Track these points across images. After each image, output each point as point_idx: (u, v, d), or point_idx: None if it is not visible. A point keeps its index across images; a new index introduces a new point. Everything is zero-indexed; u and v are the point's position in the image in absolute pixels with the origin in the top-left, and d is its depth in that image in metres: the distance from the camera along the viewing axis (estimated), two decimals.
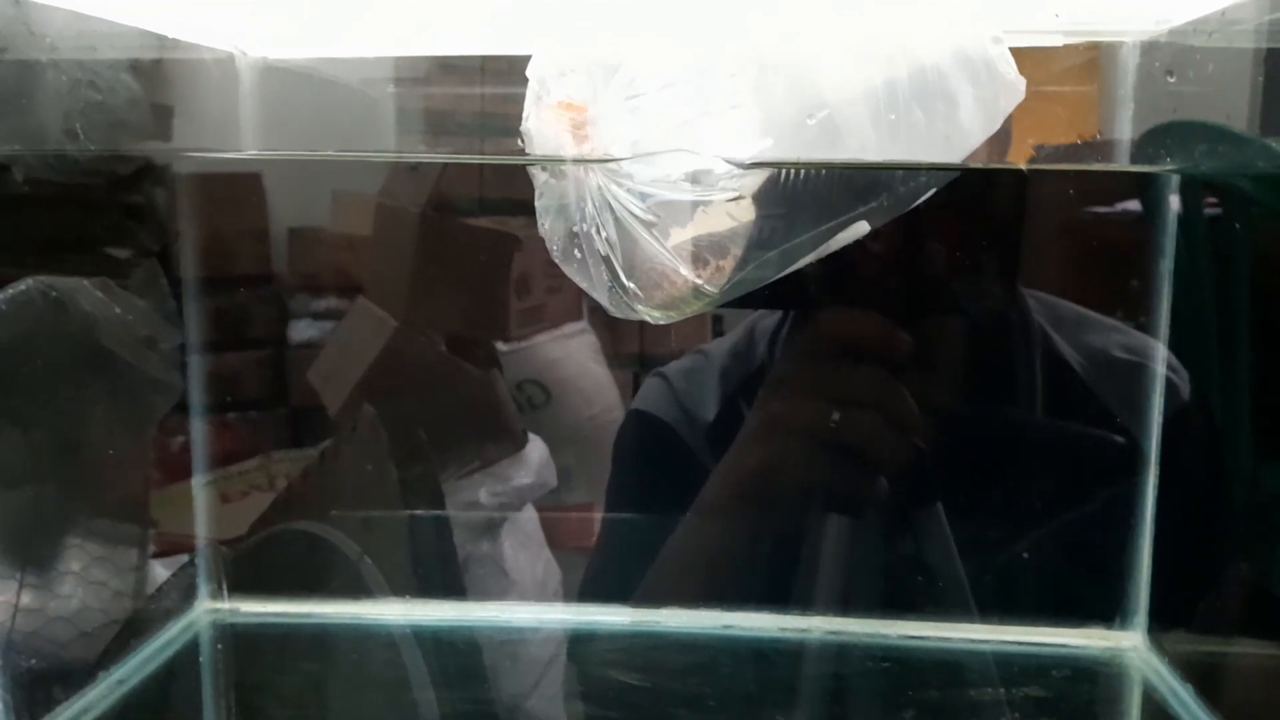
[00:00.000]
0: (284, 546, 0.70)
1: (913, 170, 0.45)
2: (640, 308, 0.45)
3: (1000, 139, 0.55)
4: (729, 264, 0.46)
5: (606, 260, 0.44)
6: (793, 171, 0.44)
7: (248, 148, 0.62)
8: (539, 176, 0.45)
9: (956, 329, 0.66)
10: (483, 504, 0.87)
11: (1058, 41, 0.56)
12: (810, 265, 0.62)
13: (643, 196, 0.44)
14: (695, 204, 0.45)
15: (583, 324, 1.04)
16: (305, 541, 0.69)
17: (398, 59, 0.68)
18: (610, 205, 0.44)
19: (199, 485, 0.66)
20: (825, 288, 0.63)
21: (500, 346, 0.95)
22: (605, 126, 0.43)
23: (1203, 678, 0.56)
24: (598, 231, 0.44)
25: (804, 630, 0.62)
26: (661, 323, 0.47)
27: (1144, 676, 0.60)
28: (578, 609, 0.68)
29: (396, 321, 0.88)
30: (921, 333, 0.63)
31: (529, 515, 0.92)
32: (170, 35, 0.58)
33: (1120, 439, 0.63)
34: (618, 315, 0.46)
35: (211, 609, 0.64)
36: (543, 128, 0.43)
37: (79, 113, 0.61)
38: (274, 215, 0.97)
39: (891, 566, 0.66)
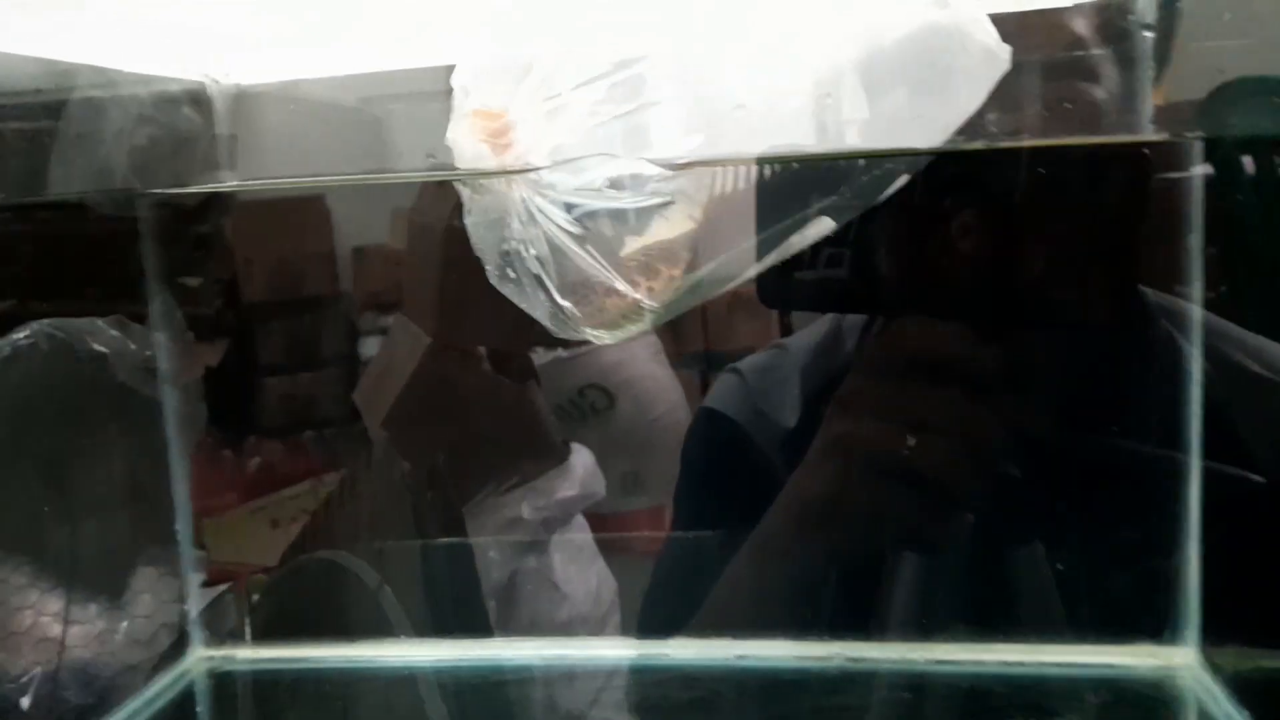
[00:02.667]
0: (305, 577, 0.69)
1: (876, 157, 0.41)
2: (582, 328, 0.42)
3: (1127, 108, 0.49)
4: (680, 272, 0.42)
5: (539, 279, 0.41)
6: (732, 170, 0.40)
7: (226, 178, 0.60)
8: (464, 191, 0.42)
9: (1063, 340, 0.58)
10: (525, 519, 0.85)
11: (1066, 1, 0.51)
12: (888, 265, 0.57)
13: (568, 207, 0.40)
14: (653, 210, 0.42)
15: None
16: (326, 571, 0.68)
17: (401, 72, 0.66)
18: (537, 219, 0.41)
19: (184, 524, 0.65)
20: (904, 292, 0.57)
21: (560, 353, 0.93)
22: (524, 133, 0.40)
23: (1262, 699, 0.50)
24: (526, 249, 0.41)
25: (823, 659, 0.57)
26: (608, 343, 0.43)
27: (1197, 698, 0.53)
28: (583, 643, 0.64)
29: (430, 338, 0.87)
30: (1021, 345, 0.57)
31: (580, 526, 0.90)
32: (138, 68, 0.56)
33: (1259, 478, 0.56)
34: (563, 336, 0.43)
35: (206, 656, 0.63)
36: (459, 138, 0.40)
37: (142, 149, 0.61)
38: (339, 236, 0.98)
39: (976, 613, 0.60)
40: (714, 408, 0.70)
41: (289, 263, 0.99)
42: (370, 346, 0.99)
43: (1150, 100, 0.49)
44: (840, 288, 0.57)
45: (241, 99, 0.60)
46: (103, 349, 0.68)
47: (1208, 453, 0.56)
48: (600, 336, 0.43)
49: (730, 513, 0.66)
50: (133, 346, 0.71)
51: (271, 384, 1.02)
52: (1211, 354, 0.57)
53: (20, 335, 0.65)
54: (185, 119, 0.64)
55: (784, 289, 0.58)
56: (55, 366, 0.66)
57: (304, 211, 0.96)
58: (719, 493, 0.69)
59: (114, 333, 0.71)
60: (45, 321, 0.66)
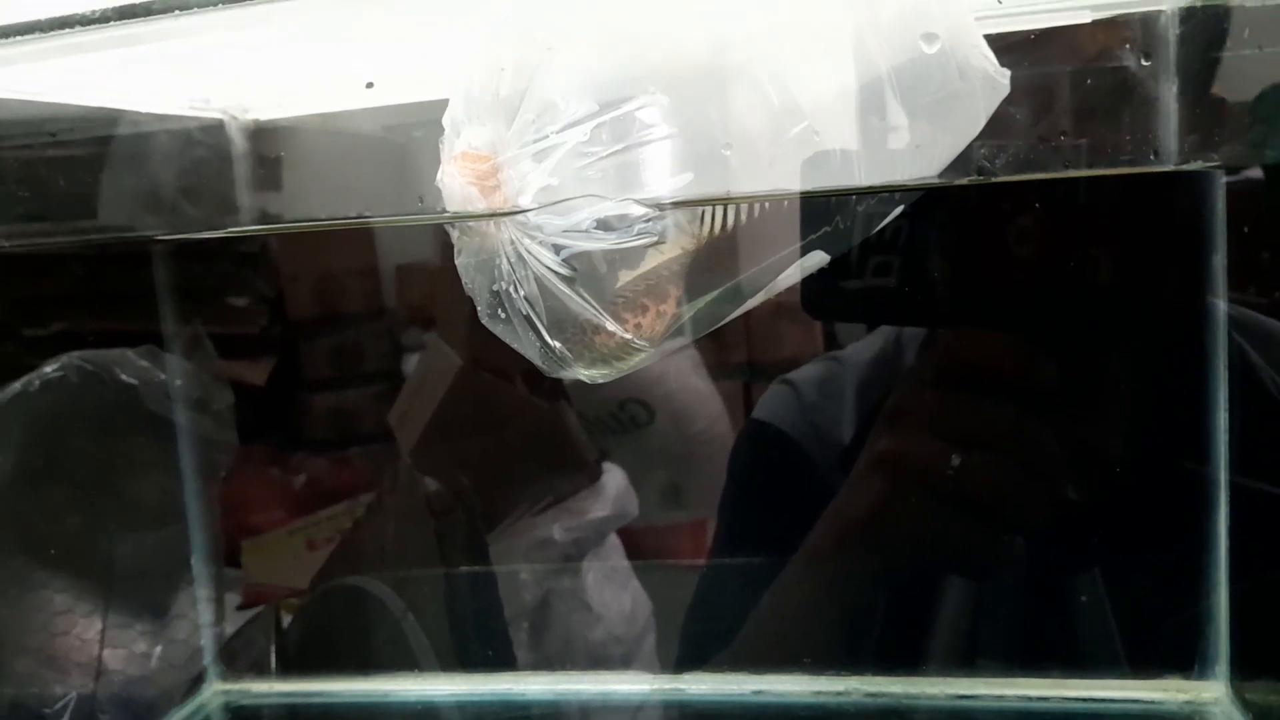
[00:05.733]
0: (332, 603, 0.69)
1: (864, 193, 0.40)
2: (573, 368, 0.42)
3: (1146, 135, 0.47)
4: (670, 307, 0.41)
5: (529, 320, 0.41)
6: (723, 207, 0.39)
7: (246, 215, 0.61)
8: (453, 232, 0.42)
9: (1127, 354, 0.55)
10: (557, 541, 0.85)
11: (1085, 17, 0.49)
12: (940, 273, 0.56)
13: (556, 249, 0.40)
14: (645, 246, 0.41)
15: (684, 338, 0.99)
16: (352, 598, 0.68)
17: (419, 104, 0.65)
18: (525, 260, 0.40)
19: (199, 557, 0.65)
20: (957, 302, 0.55)
21: None
22: (512, 175, 0.40)
23: None
24: (516, 289, 0.41)
25: (840, 693, 0.56)
26: (600, 382, 0.42)
27: None
28: (602, 678, 0.63)
29: (462, 359, 0.87)
30: (1082, 359, 0.54)
31: (614, 547, 0.89)
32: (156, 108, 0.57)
33: None
34: (555, 376, 0.43)
35: (222, 689, 0.63)
36: (447, 180, 0.40)
37: (190, 171, 0.62)
38: (382, 253, 0.98)
39: (1009, 645, 0.58)
40: (764, 419, 0.68)
41: (333, 280, 1.00)
42: (413, 362, 1.00)
43: (1173, 124, 0.47)
44: (889, 298, 0.55)
45: (260, 133, 0.61)
46: (132, 380, 0.69)
47: (1253, 472, 0.53)
48: (592, 376, 0.42)
49: (778, 528, 0.64)
50: (162, 376, 0.72)
51: (318, 400, 1.03)
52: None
53: (51, 368, 0.66)
54: (205, 154, 0.65)
55: (829, 299, 0.56)
56: (85, 397, 0.68)
57: (347, 230, 0.97)
58: (767, 507, 0.67)
59: (144, 363, 0.72)
60: (74, 354, 0.67)
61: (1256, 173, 0.58)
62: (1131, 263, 0.53)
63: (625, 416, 0.95)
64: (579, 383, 0.86)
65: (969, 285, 0.54)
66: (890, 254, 0.54)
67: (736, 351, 0.96)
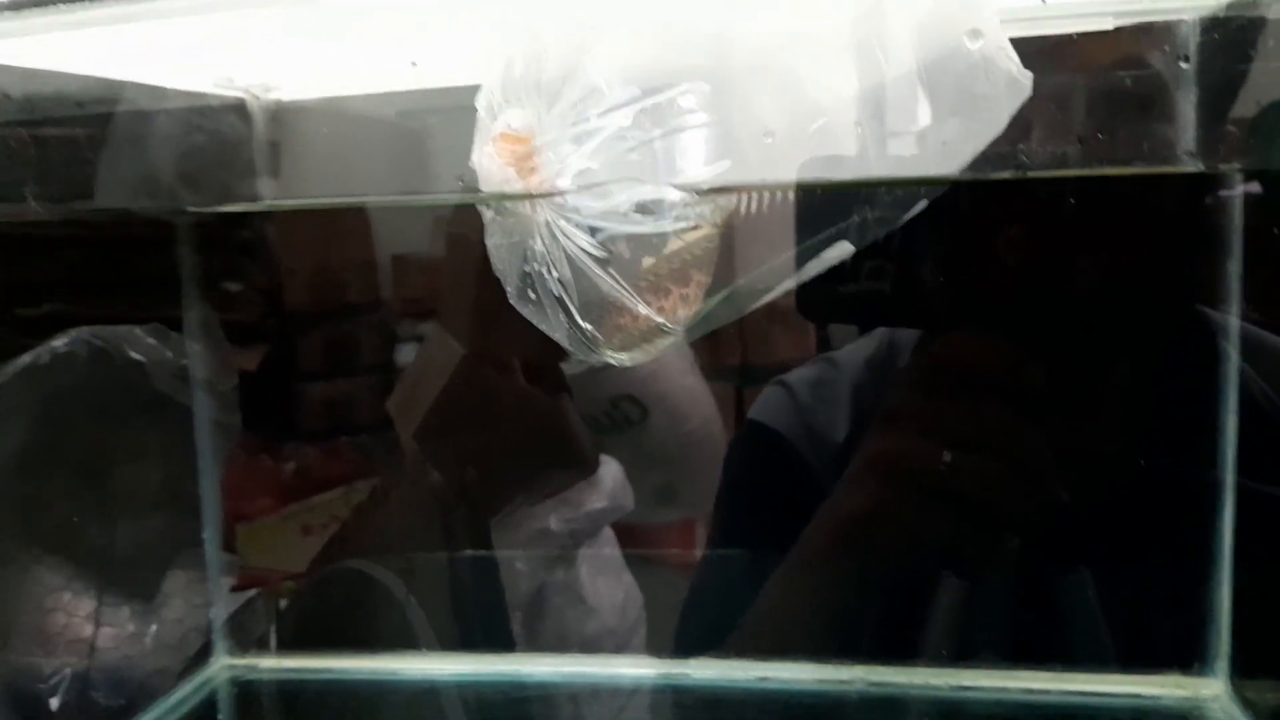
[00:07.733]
0: (333, 586, 0.69)
1: (907, 185, 0.40)
2: (602, 350, 0.42)
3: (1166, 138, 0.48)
4: (693, 292, 0.42)
5: (560, 301, 0.41)
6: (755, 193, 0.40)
7: (265, 195, 0.61)
8: (486, 213, 0.43)
9: (1125, 357, 0.57)
10: (553, 531, 0.85)
11: (1108, 24, 0.50)
12: (932, 278, 0.57)
13: (593, 231, 0.40)
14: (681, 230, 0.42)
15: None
16: (354, 581, 0.69)
17: (438, 90, 0.66)
18: (560, 242, 0.41)
19: (211, 531, 0.66)
20: (949, 306, 0.56)
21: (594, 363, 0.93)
22: (551, 157, 0.40)
23: None
24: (549, 271, 0.41)
25: (844, 682, 0.57)
26: (627, 365, 0.43)
27: None
28: (606, 661, 0.64)
29: (463, 349, 0.87)
30: (1069, 363, 0.56)
31: (607, 539, 0.89)
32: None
33: None
34: (581, 358, 0.43)
35: (229, 664, 0.63)
36: (485, 161, 0.41)
37: (189, 156, 0.62)
38: (379, 243, 0.98)
39: (1005, 638, 0.59)
40: (760, 421, 0.69)
41: (329, 269, 1.00)
42: (407, 353, 0.99)
43: (1191, 129, 0.48)
44: (882, 301, 0.56)
45: (281, 113, 0.61)
46: (140, 357, 0.69)
47: (1254, 475, 0.55)
48: (620, 358, 0.43)
49: (773, 528, 0.65)
50: (169, 354, 0.72)
51: (309, 389, 1.02)
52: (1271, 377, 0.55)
53: (59, 342, 0.66)
54: (227, 133, 0.65)
55: (824, 301, 0.57)
56: (93, 373, 0.67)
57: (345, 219, 0.97)
58: (762, 507, 0.68)
59: (151, 340, 0.71)
60: (84, 329, 0.67)
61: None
62: (1125, 267, 0.54)
63: (618, 414, 0.95)
64: (574, 377, 0.86)
65: (962, 288, 0.55)
66: (884, 259, 0.55)
67: (731, 352, 0.96)
